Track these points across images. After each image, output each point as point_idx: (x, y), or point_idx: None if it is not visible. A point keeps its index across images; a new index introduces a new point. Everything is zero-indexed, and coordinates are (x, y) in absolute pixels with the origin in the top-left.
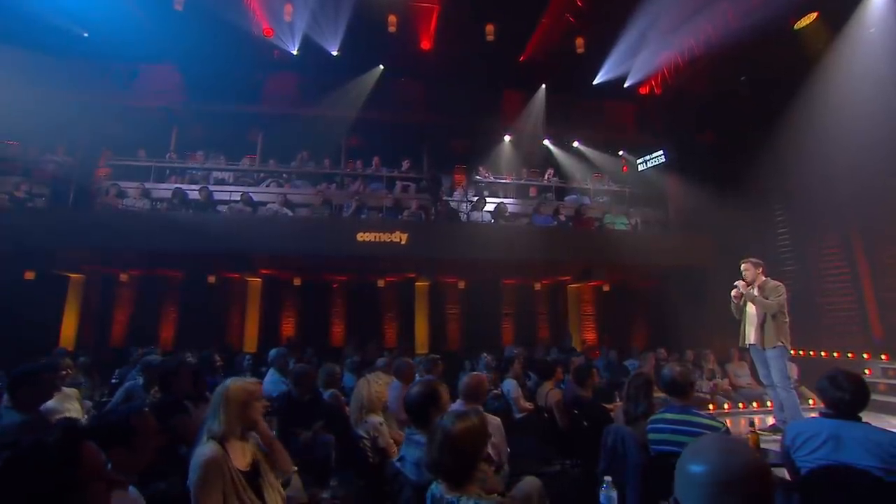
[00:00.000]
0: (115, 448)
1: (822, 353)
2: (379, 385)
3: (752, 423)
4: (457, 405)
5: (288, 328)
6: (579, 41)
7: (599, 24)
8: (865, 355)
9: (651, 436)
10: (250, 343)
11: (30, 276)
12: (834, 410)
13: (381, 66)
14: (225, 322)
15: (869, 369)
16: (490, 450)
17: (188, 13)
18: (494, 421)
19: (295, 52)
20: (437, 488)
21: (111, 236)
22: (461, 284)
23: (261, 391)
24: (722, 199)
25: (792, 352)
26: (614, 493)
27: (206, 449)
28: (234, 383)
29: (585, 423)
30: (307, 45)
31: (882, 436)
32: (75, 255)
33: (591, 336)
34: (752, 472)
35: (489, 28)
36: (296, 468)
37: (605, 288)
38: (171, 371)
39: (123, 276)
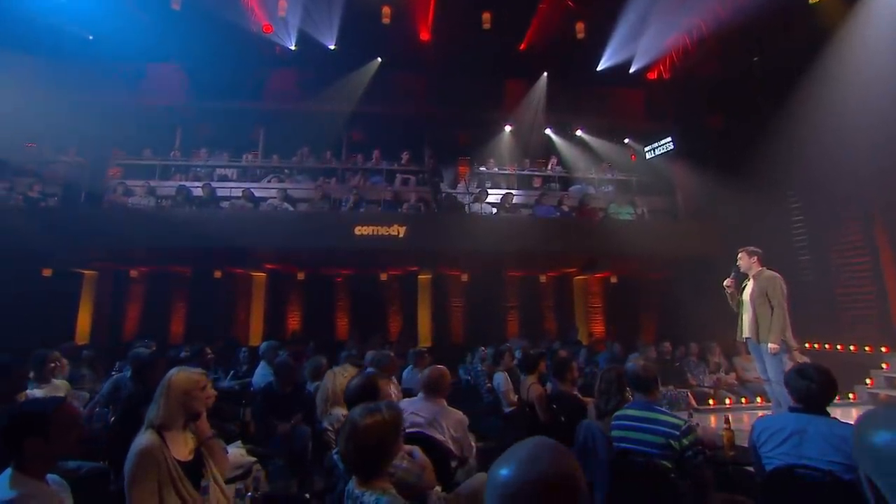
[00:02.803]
0: (32, 438)
1: (838, 347)
2: (345, 378)
3: (727, 421)
4: (418, 399)
5: (293, 322)
6: (579, 26)
7: (599, 7)
8: (884, 349)
9: (613, 432)
10: (256, 337)
11: (47, 272)
12: (802, 404)
13: (379, 59)
14: (232, 316)
15: (886, 363)
16: (451, 444)
17: (190, 13)
18: (457, 415)
19: (293, 48)
20: (351, 483)
21: (120, 234)
22: (464, 277)
23: (206, 382)
24: (733, 187)
25: (807, 345)
26: None
27: (142, 438)
28: (177, 372)
29: (563, 419)
30: (304, 40)
31: (847, 430)
32: (88, 253)
33: (598, 329)
34: (547, 482)
35: (485, 16)
36: (256, 459)
37: (613, 280)
38: (146, 363)
39: (134, 273)
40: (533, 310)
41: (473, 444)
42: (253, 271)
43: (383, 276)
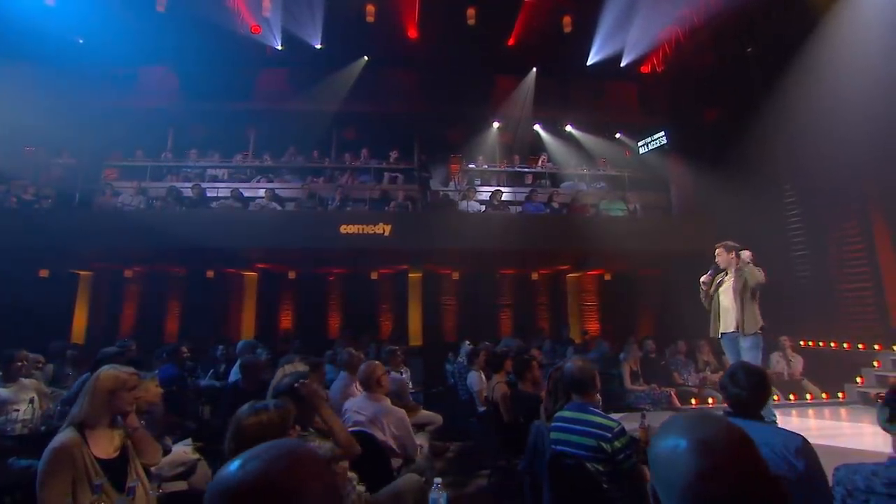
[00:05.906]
0: None
1: (832, 344)
2: None
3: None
4: (361, 397)
5: (285, 321)
6: (566, 20)
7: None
8: (877, 346)
9: (551, 434)
10: (248, 335)
11: (44, 273)
12: (734, 409)
13: (366, 58)
14: (225, 315)
15: (878, 361)
16: (392, 442)
17: (179, 16)
18: (398, 413)
19: (279, 48)
20: None
21: (113, 235)
22: (455, 275)
23: (135, 382)
24: (727, 181)
25: (801, 343)
26: (443, 495)
27: (60, 436)
28: (105, 371)
29: (521, 419)
30: (290, 40)
31: (775, 437)
32: (83, 254)
33: (593, 326)
34: (233, 489)
35: (470, 12)
36: (199, 457)
37: (607, 277)
38: (106, 360)
39: (128, 273)
40: (526, 308)
41: (422, 442)
42: (244, 271)
43: (374, 275)
